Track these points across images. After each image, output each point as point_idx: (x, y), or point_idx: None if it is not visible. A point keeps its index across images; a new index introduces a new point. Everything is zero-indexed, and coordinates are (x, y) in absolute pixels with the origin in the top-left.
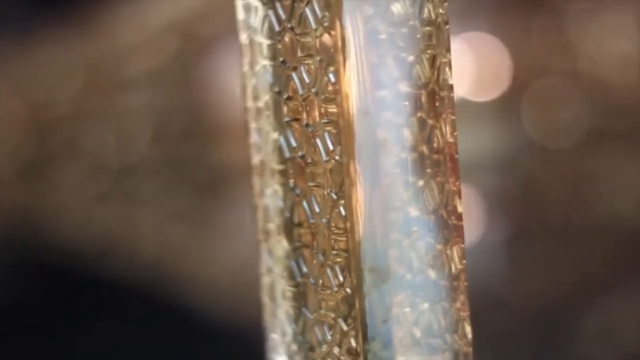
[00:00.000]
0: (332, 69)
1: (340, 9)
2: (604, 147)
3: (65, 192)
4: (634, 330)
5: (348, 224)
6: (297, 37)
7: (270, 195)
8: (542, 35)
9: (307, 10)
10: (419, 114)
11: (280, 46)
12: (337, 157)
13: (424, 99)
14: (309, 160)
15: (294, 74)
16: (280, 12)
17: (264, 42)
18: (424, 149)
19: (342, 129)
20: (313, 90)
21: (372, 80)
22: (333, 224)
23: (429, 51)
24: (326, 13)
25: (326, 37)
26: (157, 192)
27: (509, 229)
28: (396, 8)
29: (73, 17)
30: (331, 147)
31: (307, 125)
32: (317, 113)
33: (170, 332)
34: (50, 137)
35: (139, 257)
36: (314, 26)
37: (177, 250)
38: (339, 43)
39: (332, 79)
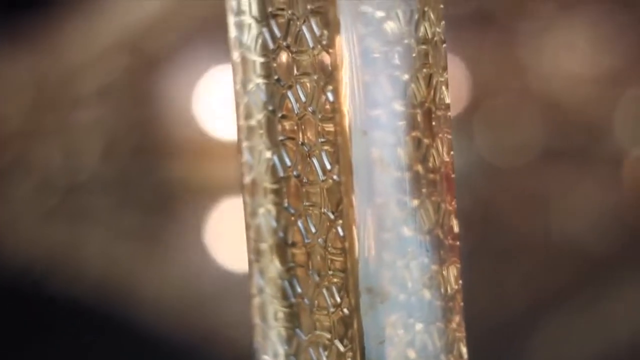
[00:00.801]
0: (330, 87)
1: (339, 27)
2: (555, 166)
3: (14, 209)
4: (583, 348)
5: (347, 244)
6: (293, 55)
7: (262, 215)
8: (494, 54)
9: (304, 29)
10: (414, 133)
11: (274, 64)
12: (334, 177)
13: (419, 118)
14: (305, 180)
15: (289, 93)
16: (275, 29)
17: (258, 59)
18: (420, 168)
19: (340, 148)
20: (310, 109)
21: (367, 98)
22: (330, 244)
23: (424, 70)
24: (325, 31)
25: (324, 55)
26: (106, 209)
27: (460, 247)
28: (390, 26)
29: (22, 34)
30: (328, 167)
31: (302, 144)
32: (313, 132)
33: (118, 349)
34: None
35: (87, 275)
36: (311, 44)
37: (125, 267)
38: (338, 61)
39: (331, 98)
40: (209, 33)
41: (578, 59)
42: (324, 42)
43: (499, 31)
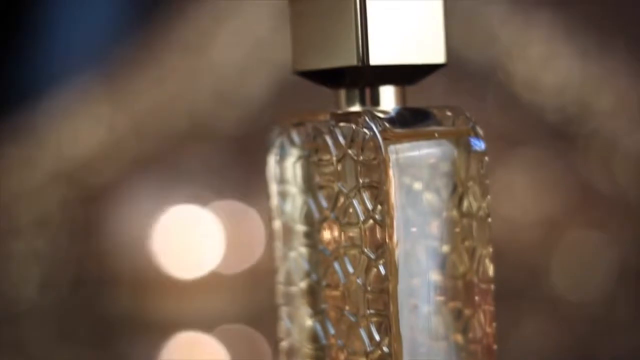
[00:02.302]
0: (382, 260)
1: (392, 202)
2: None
3: None
4: None
5: None
6: (341, 227)
7: None
8: None
9: (355, 202)
10: (453, 304)
11: (320, 234)
12: (384, 349)
13: (460, 289)
14: (349, 349)
15: (335, 263)
16: (322, 200)
17: (301, 228)
18: (459, 338)
19: (390, 319)
20: (358, 280)
21: (407, 269)
22: None
23: (467, 242)
24: (378, 206)
25: (375, 228)
26: (42, 343)
27: None
28: (428, 198)
29: None
30: (377, 338)
31: (348, 314)
32: (361, 302)
33: None
34: None
35: None
36: (362, 217)
37: None
38: (390, 235)
39: (383, 271)
40: (149, 168)
41: (516, 203)
42: (377, 217)
43: None
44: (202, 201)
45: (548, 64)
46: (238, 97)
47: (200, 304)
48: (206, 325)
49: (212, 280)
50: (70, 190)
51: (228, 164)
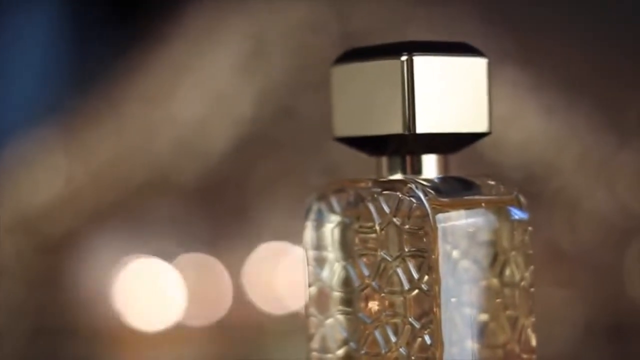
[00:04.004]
0: (428, 330)
1: (438, 272)
2: None
3: None
4: None
5: None
6: (383, 294)
7: None
8: None
9: (400, 270)
10: None
11: (359, 302)
12: None
13: (500, 358)
14: None
15: (376, 331)
16: (364, 268)
17: (338, 295)
18: None
19: None
20: (401, 349)
21: (446, 337)
22: None
23: (508, 312)
24: (426, 276)
25: (420, 297)
26: None
27: None
28: (464, 266)
29: None
30: None
31: None
32: None
33: None
34: None
35: None
36: (406, 286)
37: None
38: (439, 306)
39: (428, 341)
40: (106, 222)
41: None
42: (423, 287)
43: None
44: (165, 253)
45: (512, 122)
46: (198, 150)
47: (164, 356)
48: None
49: (177, 333)
50: (28, 241)
51: (190, 216)
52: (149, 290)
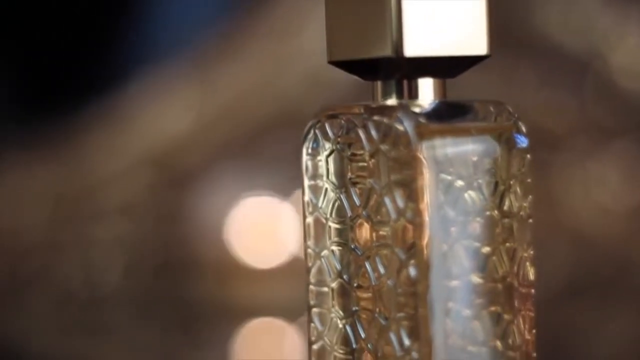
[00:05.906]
0: (413, 262)
1: (425, 200)
2: (582, 300)
3: (33, 322)
4: None
5: None
6: (373, 225)
7: None
8: None
9: (387, 200)
10: (493, 308)
11: (352, 233)
12: (414, 354)
13: (499, 292)
14: (379, 354)
15: (367, 263)
16: (355, 197)
17: (333, 225)
18: (498, 344)
19: (419, 324)
20: (389, 282)
21: (443, 270)
22: None
23: (508, 244)
24: (410, 204)
25: (407, 228)
26: (125, 326)
27: None
28: (470, 196)
29: (41, 143)
30: (407, 343)
31: (379, 318)
32: (392, 305)
33: None
34: (19, 265)
35: None
36: (393, 216)
37: None
38: (422, 235)
39: (413, 273)
40: (235, 157)
41: (609, 193)
42: (408, 216)
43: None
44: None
45: None
46: (327, 83)
47: (284, 291)
48: (288, 313)
49: (293, 268)
50: (157, 176)
51: None
52: (267, 226)
